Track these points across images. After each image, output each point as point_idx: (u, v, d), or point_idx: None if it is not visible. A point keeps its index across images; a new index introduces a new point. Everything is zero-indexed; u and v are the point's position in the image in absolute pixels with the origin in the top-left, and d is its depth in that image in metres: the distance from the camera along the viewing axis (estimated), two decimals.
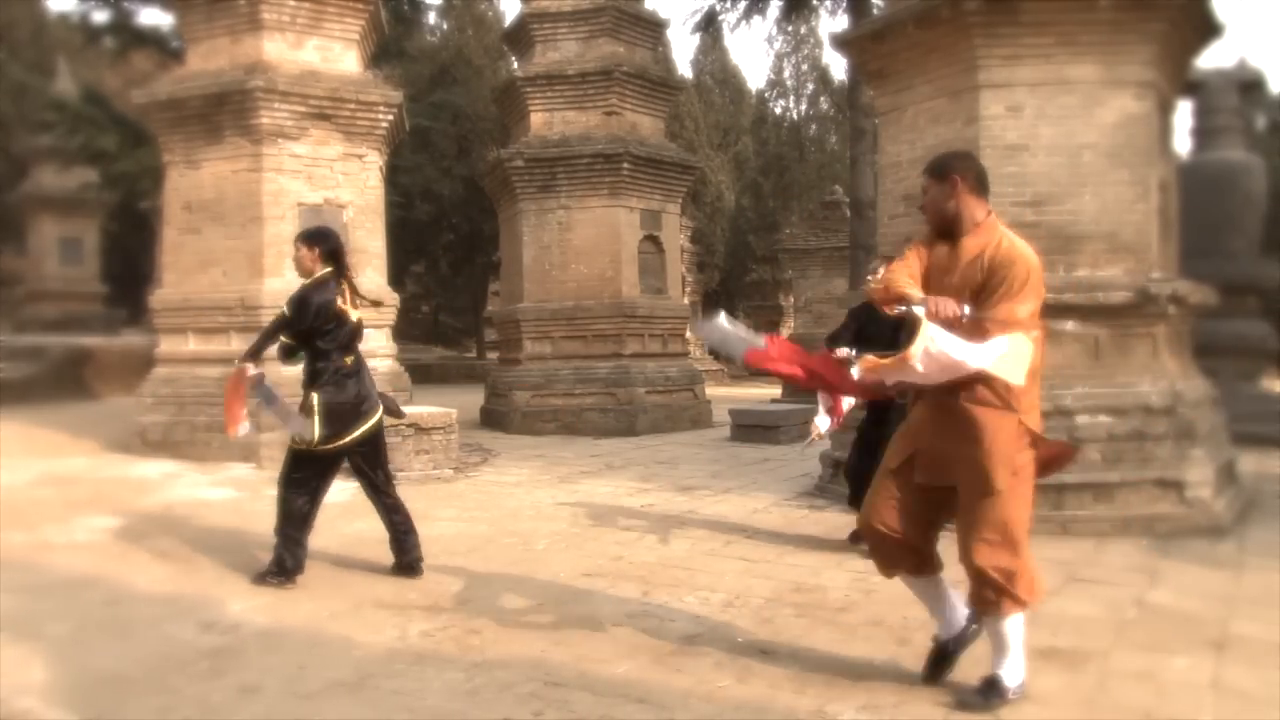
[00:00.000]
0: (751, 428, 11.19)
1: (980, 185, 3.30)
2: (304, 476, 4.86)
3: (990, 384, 3.12)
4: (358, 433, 4.80)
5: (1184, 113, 17.36)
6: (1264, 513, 6.56)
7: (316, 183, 9.83)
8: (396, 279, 13.66)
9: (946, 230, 3.30)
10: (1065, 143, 6.29)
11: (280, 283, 9.53)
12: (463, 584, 4.81)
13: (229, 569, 5.13)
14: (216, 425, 9.34)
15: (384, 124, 10.18)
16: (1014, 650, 3.24)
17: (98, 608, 4.44)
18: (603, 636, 3.98)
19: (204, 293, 9.72)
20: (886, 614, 4.26)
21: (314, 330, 4.74)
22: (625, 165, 12.60)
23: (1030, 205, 6.31)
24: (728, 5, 17.67)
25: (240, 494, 7.55)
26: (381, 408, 4.95)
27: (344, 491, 7.58)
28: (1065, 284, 6.17)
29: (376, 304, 4.97)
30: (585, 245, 12.87)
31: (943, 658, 3.43)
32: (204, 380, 9.57)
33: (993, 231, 3.22)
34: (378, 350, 10.21)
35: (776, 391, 19.30)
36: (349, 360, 4.84)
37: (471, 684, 3.46)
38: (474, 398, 14.43)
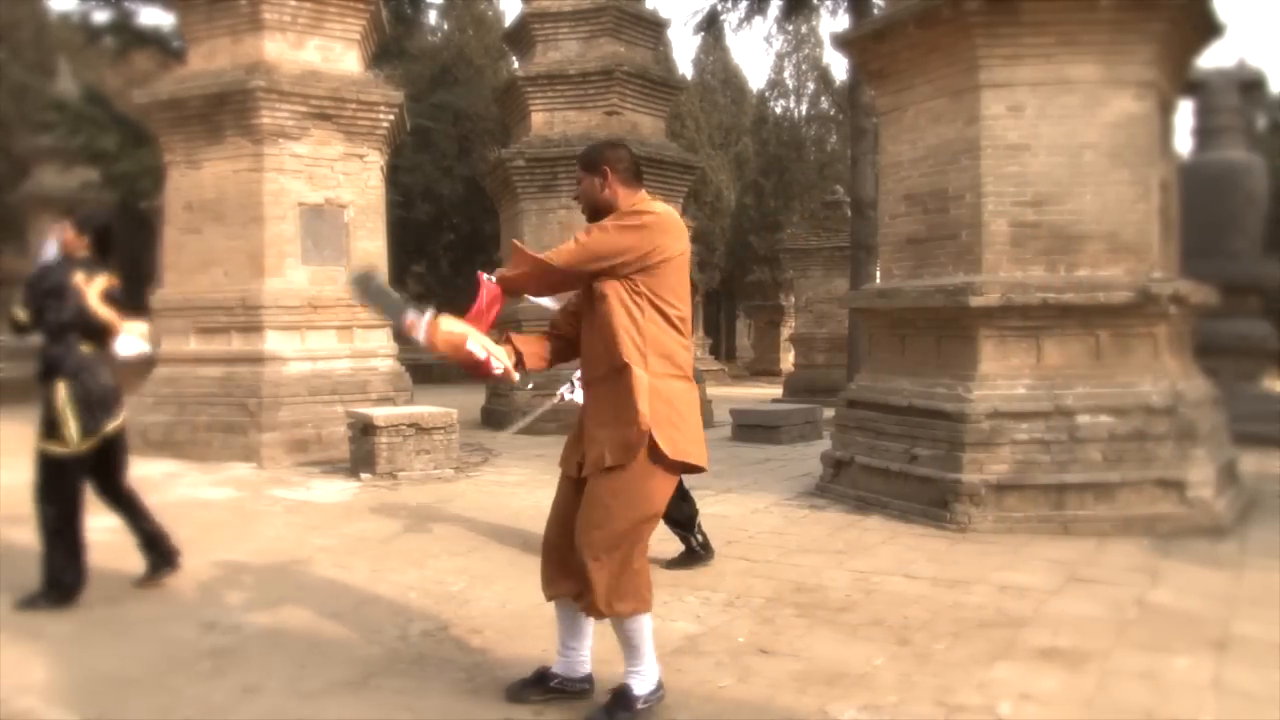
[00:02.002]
0: (752, 428, 11.18)
1: (632, 175, 3.20)
2: (64, 483, 4.51)
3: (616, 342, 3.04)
4: (111, 426, 4.53)
5: (1185, 112, 17.40)
6: (1265, 513, 6.56)
7: (317, 182, 9.84)
8: (398, 279, 13.68)
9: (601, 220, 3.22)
10: (1066, 142, 6.30)
11: (281, 283, 9.56)
12: (464, 583, 4.81)
13: (230, 568, 5.13)
14: (218, 425, 9.38)
15: (385, 124, 10.19)
16: (644, 656, 3.15)
17: (98, 607, 4.44)
18: (604, 636, 3.96)
19: (205, 292, 9.73)
20: (887, 614, 4.26)
21: (42, 306, 4.45)
22: None
23: (1031, 205, 6.31)
24: (729, 5, 17.67)
25: (241, 493, 7.56)
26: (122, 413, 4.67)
27: (343, 492, 7.61)
28: (1066, 284, 6.17)
29: (119, 319, 4.52)
30: None
31: (537, 682, 3.31)
32: (205, 380, 9.59)
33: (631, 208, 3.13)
34: (378, 350, 10.24)
35: (777, 391, 19.32)
36: (87, 349, 4.49)
37: (473, 684, 3.46)
38: (475, 397, 14.43)
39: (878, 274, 8.62)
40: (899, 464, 6.56)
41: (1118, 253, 6.32)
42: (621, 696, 3.14)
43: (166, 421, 9.49)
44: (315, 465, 8.96)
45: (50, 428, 4.49)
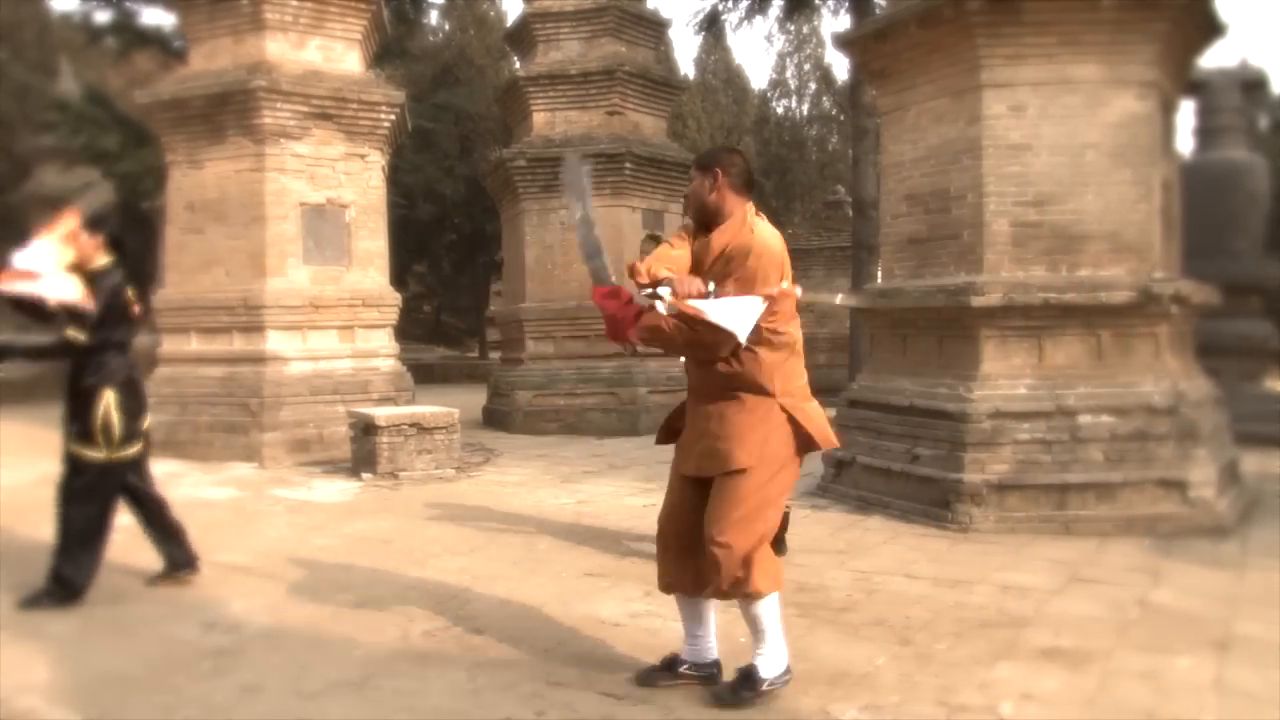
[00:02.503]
0: None
1: (743, 184, 3.28)
2: (101, 486, 4.52)
3: (743, 365, 3.17)
4: (142, 432, 4.61)
5: (1187, 112, 17.39)
6: (1266, 513, 6.55)
7: (319, 182, 9.84)
8: (399, 279, 13.67)
9: (706, 223, 3.30)
10: (1068, 142, 6.29)
11: (283, 282, 9.56)
12: (465, 583, 4.81)
13: (231, 568, 5.13)
14: (219, 425, 9.38)
15: (386, 124, 10.19)
16: (770, 638, 3.27)
17: (100, 607, 4.44)
18: (605, 636, 3.98)
19: (206, 292, 9.73)
20: (889, 614, 4.26)
21: (103, 323, 4.43)
22: (628, 165, 12.59)
23: (1033, 205, 6.31)
24: (729, 5, 17.65)
25: (243, 493, 7.56)
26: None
27: (345, 492, 7.61)
28: (1068, 284, 6.17)
29: (138, 307, 4.60)
30: None
31: (667, 667, 3.45)
32: (207, 380, 9.59)
33: (741, 224, 3.21)
34: (380, 350, 10.24)
35: None
36: (129, 356, 4.60)
37: (474, 684, 3.46)
38: (476, 397, 14.43)
39: (879, 274, 8.60)
40: (900, 464, 6.55)
41: (1119, 253, 6.32)
42: (747, 677, 3.25)
43: (168, 421, 9.48)
44: (317, 465, 8.97)
45: (86, 433, 4.43)
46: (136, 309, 4.60)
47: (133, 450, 4.57)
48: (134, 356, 4.65)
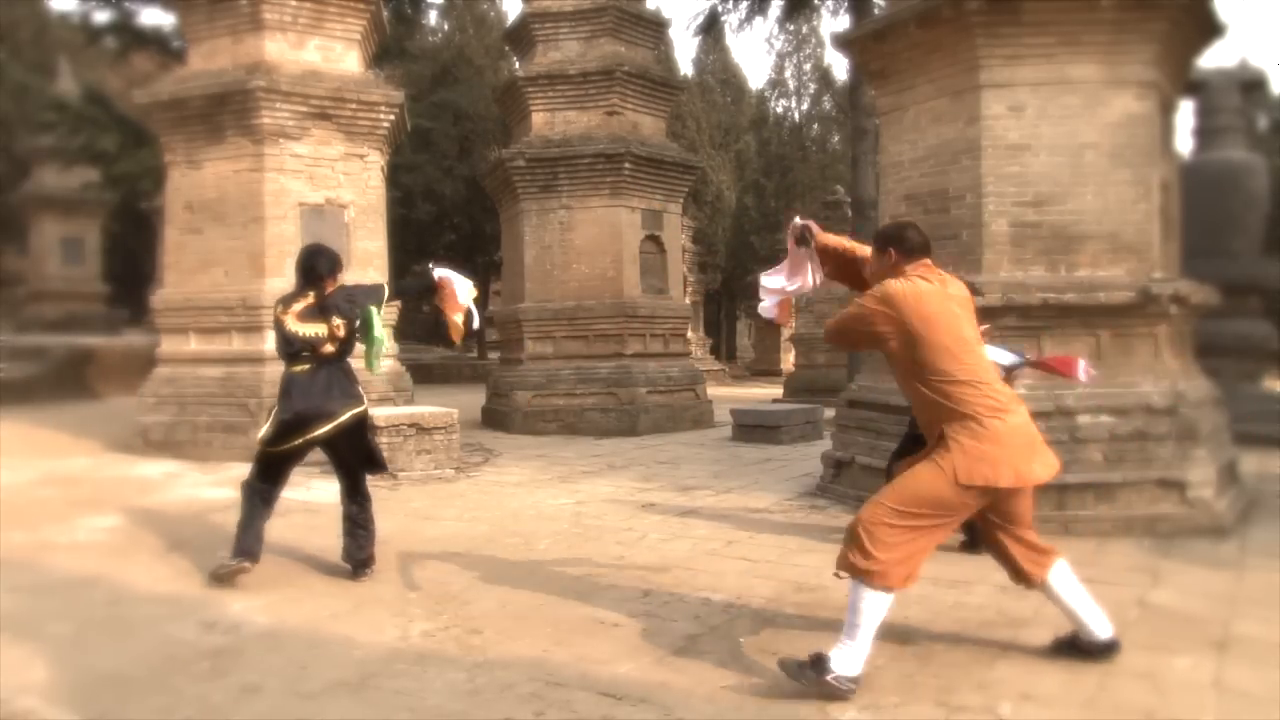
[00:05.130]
0: (753, 428, 11.18)
1: (913, 249, 3.84)
2: (261, 467, 5.02)
3: None
4: (302, 439, 4.86)
5: (1186, 113, 17.40)
6: (1266, 513, 6.55)
7: (318, 182, 9.84)
8: (398, 279, 13.66)
9: None
10: (1067, 142, 6.29)
11: (281, 282, 9.55)
12: (464, 584, 4.81)
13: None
14: (218, 425, 9.37)
15: (385, 124, 10.19)
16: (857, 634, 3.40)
17: (99, 607, 4.44)
18: (604, 636, 3.98)
19: (205, 292, 9.73)
20: (888, 614, 4.25)
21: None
22: (627, 165, 12.60)
23: (1032, 205, 6.31)
24: (730, 6, 17.67)
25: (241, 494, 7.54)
26: (343, 416, 4.90)
27: None
28: (1067, 284, 6.17)
29: (332, 333, 4.96)
30: (587, 245, 12.88)
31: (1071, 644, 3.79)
32: (206, 380, 9.58)
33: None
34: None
35: (778, 391, 19.32)
36: (297, 369, 4.93)
37: (473, 684, 3.46)
38: (475, 398, 14.44)
39: None
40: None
41: (1118, 253, 6.32)
42: (819, 661, 3.34)
43: (167, 422, 9.49)
44: (315, 465, 8.92)
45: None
46: (289, 326, 4.90)
47: (271, 449, 4.89)
48: (296, 369, 4.94)
